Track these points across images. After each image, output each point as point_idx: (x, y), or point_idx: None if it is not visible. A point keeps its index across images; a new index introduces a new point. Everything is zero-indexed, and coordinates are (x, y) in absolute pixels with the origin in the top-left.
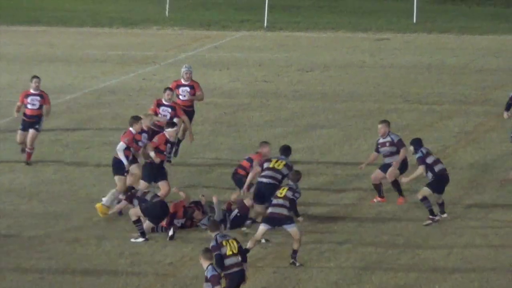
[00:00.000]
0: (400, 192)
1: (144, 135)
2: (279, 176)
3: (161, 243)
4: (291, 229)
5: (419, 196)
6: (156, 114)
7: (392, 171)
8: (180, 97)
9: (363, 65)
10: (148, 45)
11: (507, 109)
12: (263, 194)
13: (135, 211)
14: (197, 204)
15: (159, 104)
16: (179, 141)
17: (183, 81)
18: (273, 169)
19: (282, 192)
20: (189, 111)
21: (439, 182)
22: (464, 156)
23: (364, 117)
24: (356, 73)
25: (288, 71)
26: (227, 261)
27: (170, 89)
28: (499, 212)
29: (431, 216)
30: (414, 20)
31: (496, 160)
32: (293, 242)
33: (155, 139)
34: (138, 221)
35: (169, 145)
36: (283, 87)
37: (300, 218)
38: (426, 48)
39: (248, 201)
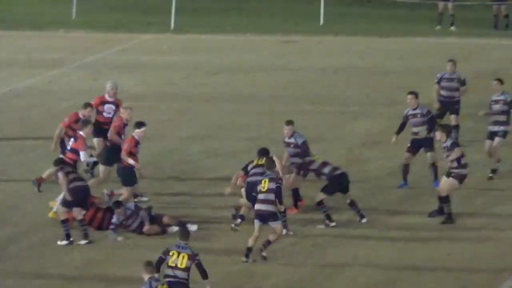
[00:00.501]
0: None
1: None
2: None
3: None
4: (276, 225)
5: (316, 200)
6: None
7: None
8: (105, 114)
9: (271, 67)
10: (55, 48)
11: (398, 131)
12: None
13: (62, 210)
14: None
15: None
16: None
17: (107, 98)
18: (258, 165)
19: (264, 185)
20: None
21: (332, 184)
22: (371, 158)
23: (273, 119)
24: (264, 75)
25: (195, 74)
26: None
27: (91, 105)
28: (404, 215)
29: (327, 221)
30: (321, 23)
31: (421, 163)
32: (271, 234)
33: (126, 144)
34: (65, 221)
35: (139, 146)
36: (190, 90)
37: (281, 207)
38: (333, 51)
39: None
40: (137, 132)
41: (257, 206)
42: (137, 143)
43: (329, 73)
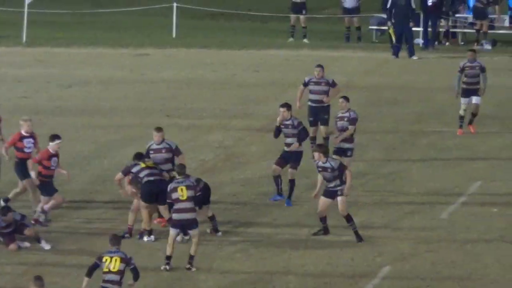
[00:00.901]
0: None
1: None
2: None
3: None
4: (194, 232)
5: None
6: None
7: None
8: (26, 149)
9: (124, 80)
10: None
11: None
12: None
13: None
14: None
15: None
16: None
17: (24, 132)
18: (151, 167)
19: (183, 194)
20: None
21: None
22: (224, 171)
23: (125, 132)
24: (117, 88)
25: (48, 87)
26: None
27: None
28: (258, 226)
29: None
30: (174, 35)
31: (256, 174)
32: (191, 246)
33: (38, 156)
34: None
35: (54, 159)
36: (43, 103)
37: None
38: (186, 63)
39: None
40: (51, 145)
41: (177, 215)
42: (50, 156)
43: (182, 86)
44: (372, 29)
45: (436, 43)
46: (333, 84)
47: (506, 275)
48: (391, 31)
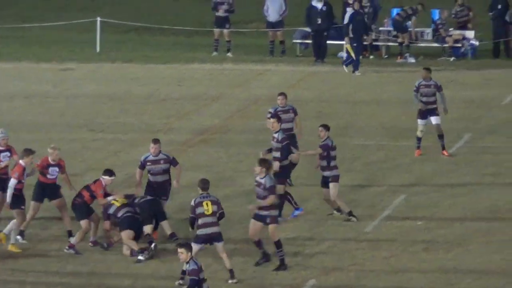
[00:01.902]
0: None
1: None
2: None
3: None
4: (220, 245)
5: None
6: None
7: None
8: (1, 164)
9: (47, 95)
10: None
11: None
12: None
13: None
14: None
15: None
16: None
17: (51, 161)
18: (125, 204)
19: (208, 209)
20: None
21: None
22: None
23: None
24: (41, 103)
25: None
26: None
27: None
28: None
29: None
30: (98, 50)
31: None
32: (224, 261)
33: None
34: None
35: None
36: None
37: None
38: (110, 78)
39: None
40: (24, 160)
41: (204, 230)
42: (24, 170)
43: (106, 100)
44: (296, 42)
45: (360, 56)
46: (295, 112)
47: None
48: (348, 47)
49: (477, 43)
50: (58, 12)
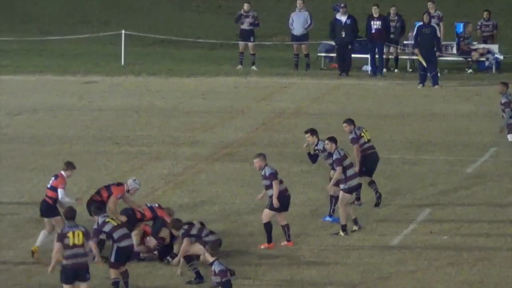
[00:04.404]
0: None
1: None
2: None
3: None
4: None
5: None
6: None
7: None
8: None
9: (72, 108)
10: None
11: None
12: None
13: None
14: None
15: None
16: None
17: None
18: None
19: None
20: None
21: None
22: (173, 198)
23: (74, 159)
24: (65, 116)
25: None
26: None
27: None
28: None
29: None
30: (122, 63)
31: (205, 201)
32: None
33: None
34: None
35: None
36: None
37: None
38: (134, 91)
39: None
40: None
41: None
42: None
43: (131, 113)
44: (321, 56)
45: (385, 70)
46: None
47: None
48: (420, 58)
49: (501, 57)
50: (82, 25)
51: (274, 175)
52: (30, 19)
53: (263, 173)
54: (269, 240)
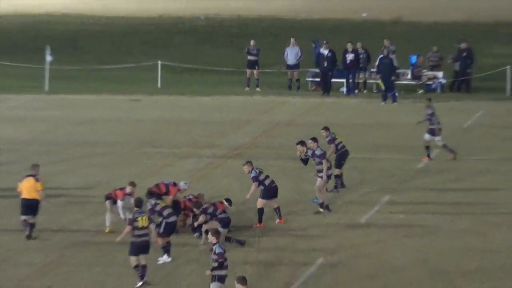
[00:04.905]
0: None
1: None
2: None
3: None
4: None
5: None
6: None
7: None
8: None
9: (120, 119)
10: None
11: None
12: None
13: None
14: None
15: None
16: None
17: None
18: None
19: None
20: None
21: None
22: (197, 187)
23: (122, 158)
24: (115, 125)
25: (64, 124)
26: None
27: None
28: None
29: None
30: (159, 86)
31: (222, 190)
32: None
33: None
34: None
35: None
36: (60, 137)
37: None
38: (167, 107)
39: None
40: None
41: None
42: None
43: (164, 123)
44: (308, 80)
45: (356, 91)
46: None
47: None
48: (379, 82)
49: (444, 81)
50: (127, 56)
51: (256, 178)
52: (89, 52)
53: (251, 175)
54: (260, 221)
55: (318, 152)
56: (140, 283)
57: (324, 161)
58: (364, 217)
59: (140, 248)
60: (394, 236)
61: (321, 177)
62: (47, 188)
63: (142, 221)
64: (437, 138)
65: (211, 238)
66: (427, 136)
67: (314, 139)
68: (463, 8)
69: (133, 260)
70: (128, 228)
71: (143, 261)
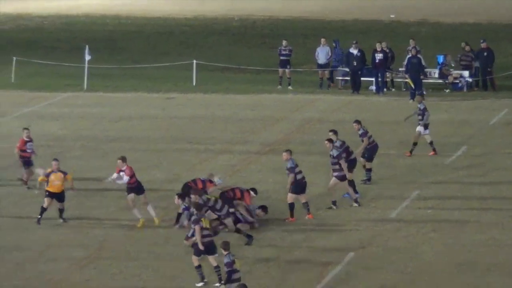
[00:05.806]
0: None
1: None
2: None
3: None
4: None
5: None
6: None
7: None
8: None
9: (157, 116)
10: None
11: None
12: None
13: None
14: None
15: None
16: None
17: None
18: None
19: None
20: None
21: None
22: (231, 182)
23: (158, 154)
24: (152, 122)
25: (102, 121)
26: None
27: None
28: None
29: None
30: (194, 84)
31: (255, 183)
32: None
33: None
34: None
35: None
36: (99, 133)
37: None
38: (202, 104)
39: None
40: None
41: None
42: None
43: (199, 120)
44: (338, 79)
45: (385, 89)
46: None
47: None
48: (409, 80)
49: (470, 79)
50: (163, 56)
51: (293, 169)
52: (126, 51)
53: (288, 165)
54: (291, 215)
55: (333, 152)
56: (201, 283)
57: (341, 161)
58: (394, 212)
59: (206, 248)
60: (422, 231)
61: (336, 176)
62: (84, 182)
63: (204, 222)
64: (427, 132)
65: (222, 250)
66: (422, 130)
67: (330, 140)
68: (486, 8)
69: (195, 260)
70: (198, 228)
71: (214, 262)
